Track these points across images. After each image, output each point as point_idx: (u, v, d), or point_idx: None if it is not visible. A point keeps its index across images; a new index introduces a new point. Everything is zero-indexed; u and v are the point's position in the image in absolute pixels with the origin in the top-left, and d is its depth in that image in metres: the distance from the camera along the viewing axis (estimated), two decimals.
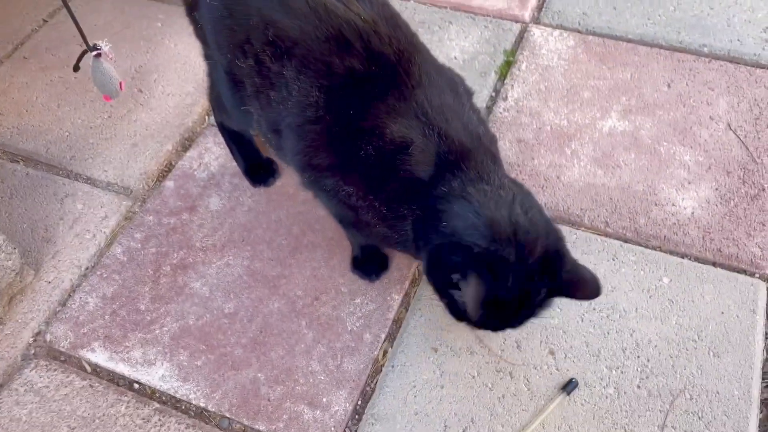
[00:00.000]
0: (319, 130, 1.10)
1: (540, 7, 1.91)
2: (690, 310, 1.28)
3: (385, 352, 1.28)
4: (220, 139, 1.63)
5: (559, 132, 1.59)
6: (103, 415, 1.24)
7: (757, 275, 1.32)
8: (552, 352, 1.25)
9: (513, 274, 0.98)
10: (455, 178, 1.05)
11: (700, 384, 1.19)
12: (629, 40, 1.78)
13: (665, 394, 1.18)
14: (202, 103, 1.75)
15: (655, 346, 1.24)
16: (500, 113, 1.64)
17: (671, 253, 1.36)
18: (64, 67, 1.88)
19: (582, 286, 1.04)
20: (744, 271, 1.33)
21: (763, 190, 1.44)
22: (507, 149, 1.57)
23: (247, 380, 1.26)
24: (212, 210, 1.53)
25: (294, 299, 1.36)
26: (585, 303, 1.29)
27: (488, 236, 0.99)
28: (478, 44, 1.83)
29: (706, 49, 1.73)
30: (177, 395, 1.26)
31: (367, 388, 1.25)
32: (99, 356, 1.31)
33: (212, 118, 1.72)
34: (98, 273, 1.44)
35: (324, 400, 1.23)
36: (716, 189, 1.45)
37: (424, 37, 1.75)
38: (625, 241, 1.39)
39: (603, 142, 1.56)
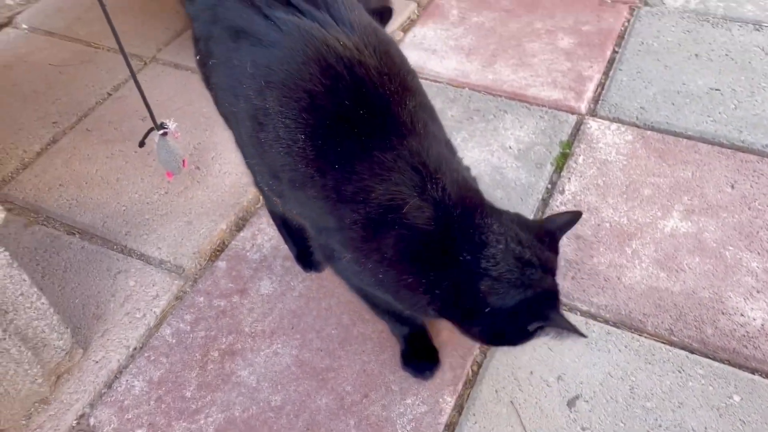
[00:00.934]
0: (312, 183, 1.06)
1: (596, 100, 1.90)
2: None
3: None
4: None
5: (618, 230, 1.55)
6: None
7: None
8: None
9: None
10: (475, 232, 1.03)
11: None
12: (689, 137, 1.76)
13: None
14: None
15: None
16: (557, 207, 1.61)
17: (741, 367, 1.29)
18: (125, 141, 1.92)
19: None
20: None
21: None
22: (565, 245, 1.53)
23: None
24: (263, 294, 1.51)
25: (343, 395, 1.32)
26: (651, 419, 1.22)
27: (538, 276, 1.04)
28: (534, 134, 1.82)
29: None
30: None
31: None
32: None
33: None
34: (146, 355, 1.43)
35: None
36: None
37: (479, 125, 1.76)
38: (692, 351, 1.32)
39: (665, 243, 1.51)
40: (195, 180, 1.80)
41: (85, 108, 2.07)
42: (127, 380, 1.39)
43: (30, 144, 1.96)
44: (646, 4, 2.22)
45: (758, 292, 1.40)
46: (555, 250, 1.12)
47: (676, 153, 1.72)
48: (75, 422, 1.34)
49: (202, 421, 1.31)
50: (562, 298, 1.39)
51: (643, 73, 1.96)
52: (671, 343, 1.34)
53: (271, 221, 1.64)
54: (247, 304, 1.50)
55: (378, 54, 1.04)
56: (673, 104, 1.85)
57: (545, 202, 1.64)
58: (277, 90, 1.06)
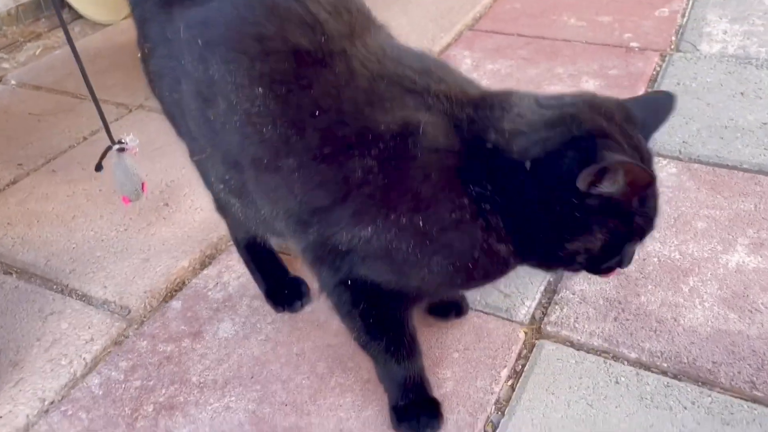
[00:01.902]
0: (289, 147, 0.82)
1: None
2: None
3: None
4: None
5: (670, 265, 1.24)
6: None
7: None
8: None
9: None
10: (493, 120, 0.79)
11: None
12: (745, 170, 1.48)
13: None
14: None
15: None
16: None
17: None
18: (91, 180, 1.70)
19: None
20: None
21: None
22: (603, 282, 1.22)
23: None
24: (221, 337, 1.20)
25: None
26: None
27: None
28: None
29: None
30: None
31: None
32: None
33: None
34: (62, 409, 1.10)
35: None
36: None
37: None
38: None
39: (731, 280, 1.19)
40: (161, 216, 1.54)
41: (56, 151, 1.87)
42: None
43: None
44: (678, 50, 2.02)
45: None
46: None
47: (732, 185, 1.43)
48: None
49: None
50: (603, 344, 1.07)
51: (682, 110, 1.72)
52: (754, 400, 0.99)
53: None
54: (199, 350, 1.18)
55: None
56: (722, 138, 1.59)
57: None
58: (219, 47, 0.87)
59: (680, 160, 1.54)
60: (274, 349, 1.17)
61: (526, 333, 1.14)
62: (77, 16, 2.78)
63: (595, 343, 1.10)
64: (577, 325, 1.14)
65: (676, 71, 1.91)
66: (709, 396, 1.00)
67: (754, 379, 1.02)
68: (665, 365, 1.06)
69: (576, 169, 0.71)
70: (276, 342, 1.18)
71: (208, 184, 1.10)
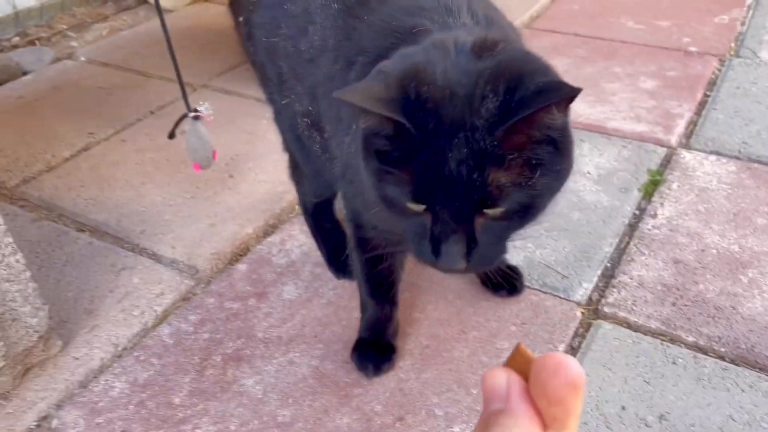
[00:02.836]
0: None
1: (688, 135, 1.66)
2: None
3: None
4: (307, 228, 1.40)
5: (729, 257, 1.25)
6: None
7: None
8: None
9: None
10: None
11: None
12: None
13: None
14: (295, 192, 1.55)
15: None
16: (648, 230, 1.33)
17: None
18: (159, 151, 1.77)
19: None
20: None
21: None
22: (661, 269, 1.23)
23: None
24: (284, 299, 1.25)
25: (370, 416, 1.02)
26: None
27: None
28: (616, 162, 1.57)
29: None
30: None
31: None
32: None
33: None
34: (135, 354, 1.16)
35: None
36: None
37: None
38: None
39: None
40: (226, 186, 1.60)
41: (124, 123, 1.95)
42: (106, 380, 1.12)
43: (60, 150, 1.82)
44: (738, 56, 2.02)
45: None
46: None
47: None
48: (35, 423, 1.07)
49: None
50: (660, 327, 1.09)
51: (741, 112, 1.72)
52: None
53: (304, 228, 1.40)
54: (264, 309, 1.23)
55: None
56: None
57: (632, 226, 1.36)
58: None
59: (740, 159, 1.54)
60: (336, 312, 1.21)
61: (583, 313, 1.17)
62: (143, 1, 2.88)
63: (653, 326, 1.12)
64: (634, 308, 1.16)
65: (735, 75, 1.91)
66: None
67: None
68: (723, 350, 1.07)
69: None
70: (337, 306, 1.23)
71: (290, 140, 1.15)
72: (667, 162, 1.55)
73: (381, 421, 1.00)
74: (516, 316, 1.17)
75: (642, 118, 1.72)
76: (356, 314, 1.20)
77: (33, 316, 1.09)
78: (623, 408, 0.99)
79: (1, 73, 2.24)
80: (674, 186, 1.45)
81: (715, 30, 2.19)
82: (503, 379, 0.41)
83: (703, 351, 1.08)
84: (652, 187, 1.46)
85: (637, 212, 1.40)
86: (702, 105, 1.78)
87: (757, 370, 1.04)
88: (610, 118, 1.74)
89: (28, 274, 1.06)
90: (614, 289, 1.20)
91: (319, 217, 1.29)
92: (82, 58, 2.43)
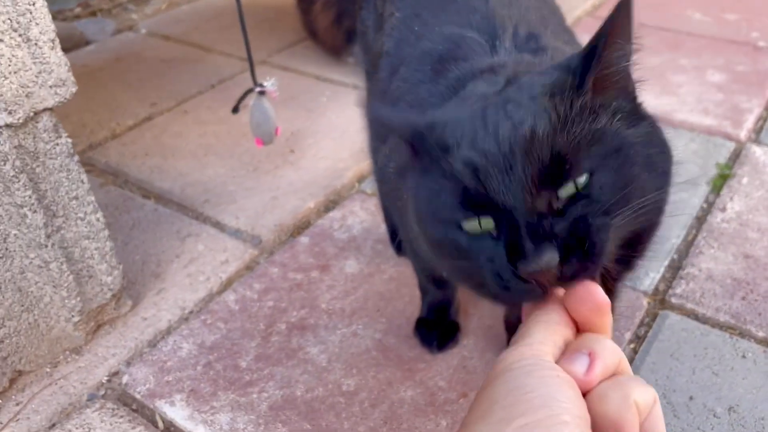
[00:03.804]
0: None
1: (758, 130, 1.62)
2: None
3: None
4: (368, 205, 1.42)
5: None
6: None
7: None
8: None
9: None
10: None
11: None
12: None
13: None
14: (355, 169, 1.56)
15: None
16: (717, 224, 1.31)
17: None
18: (220, 124, 1.79)
19: None
20: None
21: None
22: (731, 263, 1.21)
23: None
24: (347, 273, 1.26)
25: (434, 390, 1.02)
26: None
27: None
28: (683, 154, 1.53)
29: None
30: None
31: None
32: (177, 412, 1.02)
33: (363, 184, 1.51)
34: (202, 318, 1.19)
35: None
36: None
37: None
38: None
39: None
40: (287, 161, 1.62)
41: (186, 95, 1.98)
42: (175, 341, 1.14)
43: (124, 119, 1.86)
44: None
45: None
46: None
47: None
48: (106, 378, 1.10)
49: (254, 395, 1.03)
50: (730, 320, 1.08)
51: None
52: None
53: (365, 205, 1.41)
54: (327, 281, 1.25)
55: None
56: None
57: (700, 219, 1.33)
58: None
59: None
60: (398, 288, 1.22)
61: (649, 302, 1.16)
62: None
63: (721, 319, 1.11)
64: (703, 300, 1.14)
65: None
66: None
67: None
68: None
69: None
70: (399, 282, 1.23)
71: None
72: (736, 156, 1.52)
73: (445, 396, 1.01)
74: None
75: (710, 112, 1.69)
76: (418, 292, 1.21)
77: (108, 275, 1.12)
78: (691, 398, 0.98)
79: (66, 42, 2.28)
80: (744, 181, 1.43)
81: None
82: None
83: None
84: (721, 181, 1.43)
85: (705, 205, 1.37)
86: None
87: None
88: (676, 110, 1.71)
89: (106, 233, 1.09)
90: (682, 281, 1.18)
91: None
92: (143, 31, 2.47)
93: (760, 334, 1.08)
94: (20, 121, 0.90)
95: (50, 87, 0.93)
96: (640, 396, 0.43)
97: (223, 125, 1.79)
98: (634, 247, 0.62)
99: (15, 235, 0.97)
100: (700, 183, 1.43)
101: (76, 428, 1.00)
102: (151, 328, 1.18)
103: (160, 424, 1.01)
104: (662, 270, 1.22)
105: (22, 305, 1.02)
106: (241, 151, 1.67)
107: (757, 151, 1.53)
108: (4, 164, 0.92)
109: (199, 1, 2.72)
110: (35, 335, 1.07)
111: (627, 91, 0.62)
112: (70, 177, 1.00)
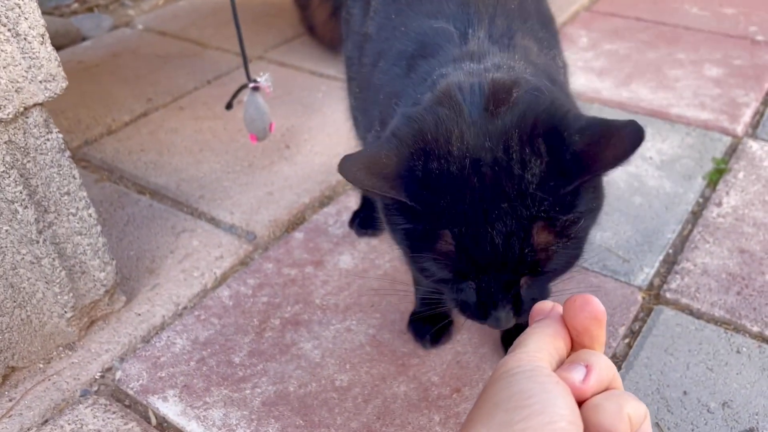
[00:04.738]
0: None
1: (755, 125, 1.62)
2: None
3: None
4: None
5: None
6: None
7: None
8: None
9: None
10: None
11: None
12: None
13: None
14: None
15: None
16: (713, 218, 1.31)
17: None
18: (216, 119, 1.79)
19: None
20: None
21: None
22: (726, 257, 1.21)
23: None
24: (341, 268, 1.26)
25: (427, 386, 1.02)
26: None
27: None
28: (680, 148, 1.54)
29: None
30: None
31: None
32: (170, 408, 1.01)
33: None
34: (196, 313, 1.19)
35: None
36: None
37: None
38: None
39: None
40: (282, 157, 1.61)
41: (182, 91, 1.97)
42: (168, 336, 1.14)
43: (120, 115, 1.85)
44: None
45: None
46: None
47: None
48: (99, 374, 1.10)
49: (247, 391, 1.03)
50: (725, 315, 1.07)
51: None
52: None
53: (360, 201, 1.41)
54: (321, 276, 1.24)
55: None
56: None
57: (696, 214, 1.33)
58: None
59: None
60: (393, 284, 1.22)
61: (644, 297, 1.15)
62: None
63: (716, 314, 1.11)
64: (698, 295, 1.14)
65: None
66: None
67: None
68: None
69: None
70: (394, 278, 1.23)
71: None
72: (732, 151, 1.51)
73: (438, 391, 1.01)
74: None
75: (707, 106, 1.68)
76: (412, 287, 1.21)
77: (101, 270, 1.12)
78: (685, 393, 0.98)
79: (62, 38, 2.28)
80: (740, 175, 1.42)
81: None
82: (548, 305, 0.53)
83: None
84: (717, 175, 1.43)
85: (701, 200, 1.37)
86: None
87: None
88: (673, 105, 1.70)
89: (98, 228, 1.09)
90: (677, 276, 1.18)
91: None
92: (140, 27, 2.46)
93: (755, 329, 1.08)
94: (10, 116, 0.90)
95: (40, 82, 0.92)
96: (633, 409, 0.45)
97: (218, 121, 1.79)
98: None
99: (6, 231, 0.97)
100: (696, 177, 1.43)
101: (69, 424, 1.00)
102: (144, 324, 1.17)
103: (153, 420, 1.01)
104: (657, 265, 1.21)
105: (15, 301, 1.02)
106: (237, 146, 1.67)
107: (753, 145, 1.52)
108: None
109: None
110: (28, 331, 1.07)
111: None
112: (61, 172, 1.00)
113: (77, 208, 1.04)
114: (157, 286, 1.26)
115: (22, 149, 0.94)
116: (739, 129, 1.59)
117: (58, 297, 1.07)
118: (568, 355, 0.50)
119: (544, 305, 0.53)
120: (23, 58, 0.90)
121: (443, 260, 0.70)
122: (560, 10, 2.28)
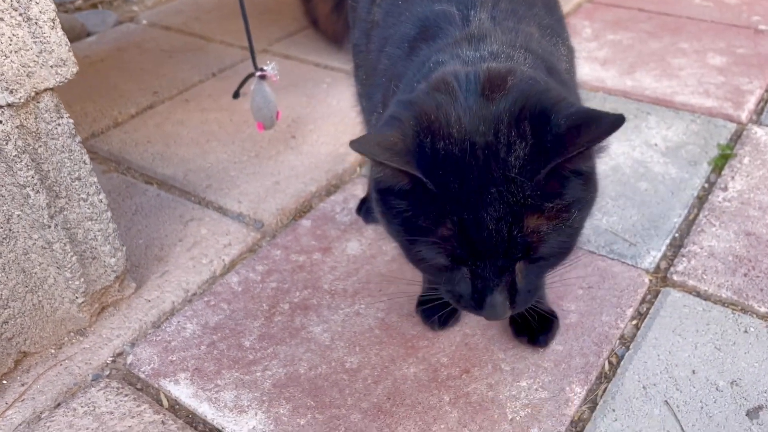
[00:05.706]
0: None
1: (759, 111, 1.62)
2: None
3: None
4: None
5: None
6: None
7: None
8: None
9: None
10: None
11: None
12: None
13: None
14: (356, 154, 1.56)
15: None
16: (719, 202, 1.31)
17: None
18: (221, 111, 1.80)
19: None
20: None
21: None
22: (732, 240, 1.22)
23: None
24: (349, 254, 1.27)
25: (436, 367, 1.03)
26: None
27: None
28: (684, 135, 1.54)
29: None
30: None
31: None
32: (182, 390, 1.02)
33: (365, 169, 1.52)
34: (205, 299, 1.19)
35: None
36: None
37: None
38: None
39: None
40: (289, 147, 1.62)
41: (187, 84, 1.98)
42: (178, 321, 1.15)
43: (126, 107, 1.86)
44: None
45: None
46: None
47: None
48: (110, 359, 1.11)
49: (258, 374, 1.04)
50: (732, 296, 1.08)
51: None
52: None
53: (367, 189, 1.42)
54: (329, 262, 1.25)
55: None
56: None
57: (702, 199, 1.34)
58: None
59: None
60: (400, 268, 1.22)
61: (651, 280, 1.16)
62: None
63: (723, 295, 1.11)
64: (705, 277, 1.14)
65: None
66: None
67: None
68: None
69: None
70: (401, 263, 1.24)
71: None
72: (737, 137, 1.52)
73: (447, 372, 1.02)
74: (583, 280, 1.16)
75: (711, 94, 1.69)
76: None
77: (112, 256, 1.13)
78: (693, 372, 0.99)
79: (67, 33, 2.29)
80: (745, 161, 1.43)
81: None
82: None
83: None
84: (722, 161, 1.43)
85: (706, 185, 1.37)
86: None
87: None
88: (677, 93, 1.71)
89: (109, 214, 1.10)
90: (684, 258, 1.19)
91: None
92: (144, 22, 2.47)
93: (762, 309, 1.08)
94: (21, 100, 0.91)
95: (51, 67, 0.93)
96: None
97: (224, 112, 1.79)
98: None
99: (18, 215, 0.97)
100: (701, 163, 1.43)
101: (82, 407, 1.01)
102: (155, 310, 1.18)
103: (165, 402, 1.02)
104: (663, 248, 1.22)
105: (26, 286, 1.03)
106: (243, 137, 1.67)
107: (758, 131, 1.53)
108: (6, 144, 0.92)
109: None
110: (40, 316, 1.07)
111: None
112: (72, 157, 1.01)
113: (88, 193, 1.05)
114: (167, 273, 1.27)
115: (34, 134, 0.95)
116: (744, 116, 1.60)
117: (70, 282, 1.07)
118: None
119: None
120: (34, 42, 0.91)
121: (441, 245, 0.70)
122: (563, 1, 2.28)
